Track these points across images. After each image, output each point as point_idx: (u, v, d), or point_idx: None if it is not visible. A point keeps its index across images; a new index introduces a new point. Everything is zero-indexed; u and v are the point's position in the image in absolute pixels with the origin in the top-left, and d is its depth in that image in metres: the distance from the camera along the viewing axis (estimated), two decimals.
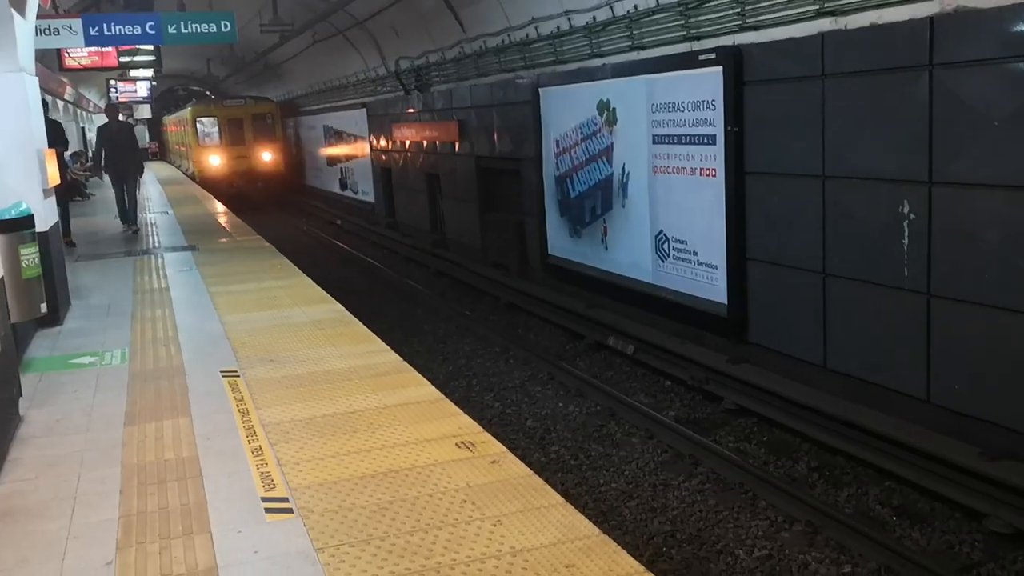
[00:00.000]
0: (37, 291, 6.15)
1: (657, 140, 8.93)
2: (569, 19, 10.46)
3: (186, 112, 29.36)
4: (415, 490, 3.73)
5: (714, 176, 8.10)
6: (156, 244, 12.11)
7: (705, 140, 8.17)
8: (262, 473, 3.98)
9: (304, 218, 24.71)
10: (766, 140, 7.56)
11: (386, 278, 15.08)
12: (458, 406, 4.83)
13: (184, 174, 29.91)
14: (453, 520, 3.45)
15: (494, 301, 12.46)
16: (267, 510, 3.61)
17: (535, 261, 12.28)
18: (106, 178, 14.32)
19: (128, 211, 13.62)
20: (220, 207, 17.56)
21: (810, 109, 6.99)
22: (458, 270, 14.29)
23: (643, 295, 9.48)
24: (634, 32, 9.20)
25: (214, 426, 4.64)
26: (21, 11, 6.93)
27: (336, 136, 23.96)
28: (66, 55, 16.19)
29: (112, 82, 29.72)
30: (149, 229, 13.79)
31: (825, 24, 6.81)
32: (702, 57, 8.06)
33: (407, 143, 17.56)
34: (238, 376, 5.52)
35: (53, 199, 7.89)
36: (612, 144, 9.82)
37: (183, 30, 11.23)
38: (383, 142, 19.49)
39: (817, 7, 6.80)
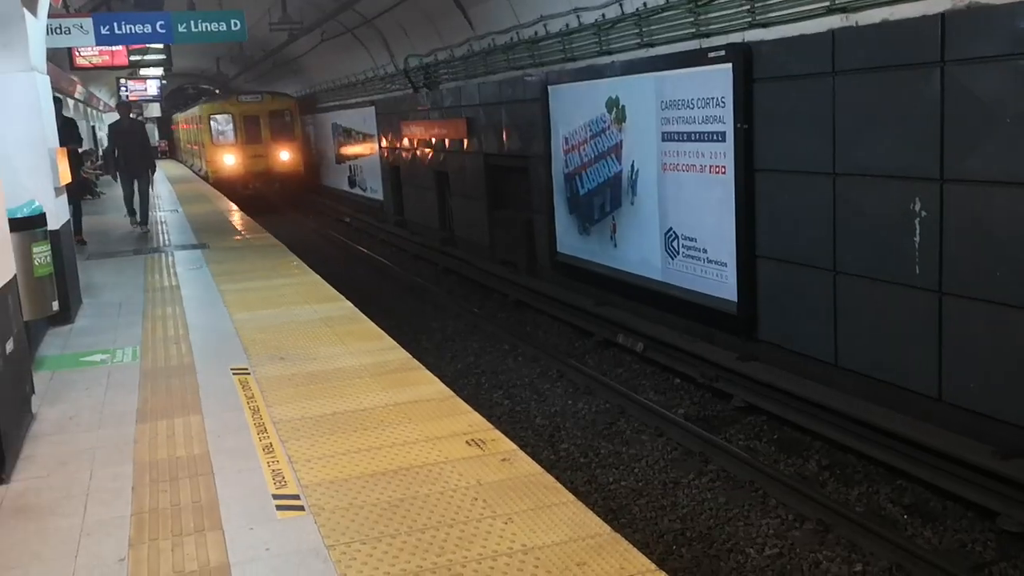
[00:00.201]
0: (49, 289, 6.19)
1: (666, 137, 8.91)
2: (578, 16, 10.45)
3: (199, 109, 28.08)
4: (426, 487, 3.74)
5: (724, 173, 8.08)
6: (166, 242, 12.15)
7: (715, 137, 8.15)
8: (273, 470, 3.99)
9: (314, 216, 24.52)
10: (776, 137, 7.54)
11: (395, 275, 15.10)
12: (467, 404, 4.83)
13: (196, 174, 29.09)
14: (464, 518, 3.45)
15: (503, 298, 12.47)
16: (278, 507, 3.62)
17: (544, 258, 12.28)
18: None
19: (139, 210, 13.67)
20: (229, 205, 17.60)
21: (820, 106, 6.97)
22: (466, 267, 14.29)
23: (652, 292, 9.47)
24: (643, 29, 9.19)
25: (225, 423, 4.66)
26: (33, 10, 6.96)
27: (345, 134, 23.96)
28: (77, 54, 16.24)
29: (122, 81, 29.83)
30: (159, 227, 13.84)
31: (835, 21, 6.79)
32: (712, 54, 8.04)
33: (416, 141, 17.58)
34: (249, 374, 5.54)
35: (64, 197, 7.93)
36: (621, 141, 9.80)
37: (193, 29, 11.26)
38: (392, 140, 19.51)
39: (828, 3, 6.77)
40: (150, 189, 14.13)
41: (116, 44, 13.89)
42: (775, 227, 7.67)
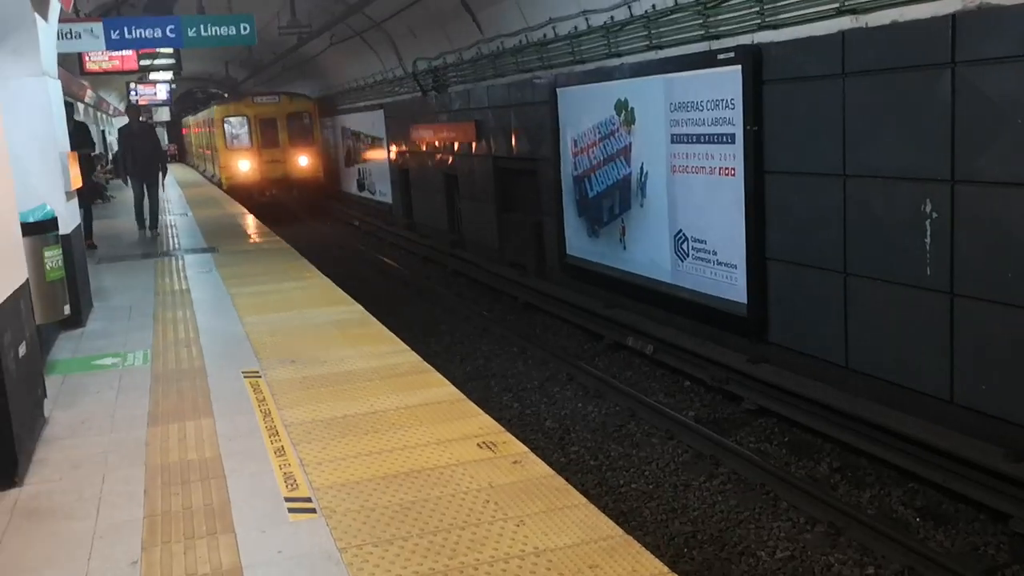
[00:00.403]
0: (60, 293, 6.21)
1: (676, 139, 8.90)
2: (587, 19, 10.45)
3: (211, 111, 26.55)
4: (437, 490, 3.74)
5: (733, 175, 8.07)
6: (176, 246, 12.19)
7: (724, 139, 8.14)
8: (285, 473, 4.00)
9: (331, 223, 23.85)
10: (786, 139, 7.52)
11: (404, 278, 15.12)
12: (478, 406, 4.83)
13: (209, 180, 28.02)
14: (476, 520, 3.45)
15: (512, 301, 12.47)
16: (290, 510, 3.62)
17: (553, 261, 12.27)
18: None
19: (150, 214, 13.72)
20: (238, 209, 17.64)
21: (830, 108, 6.95)
22: (476, 270, 14.30)
23: (662, 295, 9.46)
24: (652, 32, 9.18)
25: (236, 427, 4.67)
26: (44, 15, 6.99)
27: (354, 137, 23.94)
28: (87, 59, 16.30)
29: (132, 85, 29.87)
30: (169, 231, 13.89)
31: (845, 22, 6.77)
32: (721, 56, 8.03)
33: (425, 144, 17.60)
34: (259, 377, 5.55)
35: (75, 201, 7.97)
36: (630, 144, 9.79)
37: (203, 33, 11.32)
38: (401, 143, 19.54)
39: (837, 5, 6.76)
40: (161, 192, 14.17)
41: (126, 48, 13.94)
42: (785, 229, 7.65)
